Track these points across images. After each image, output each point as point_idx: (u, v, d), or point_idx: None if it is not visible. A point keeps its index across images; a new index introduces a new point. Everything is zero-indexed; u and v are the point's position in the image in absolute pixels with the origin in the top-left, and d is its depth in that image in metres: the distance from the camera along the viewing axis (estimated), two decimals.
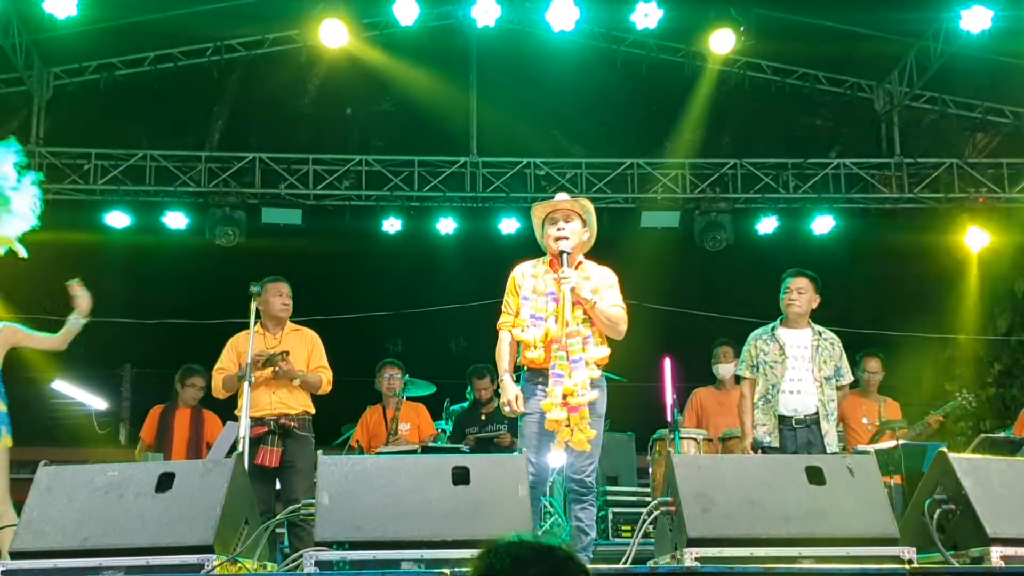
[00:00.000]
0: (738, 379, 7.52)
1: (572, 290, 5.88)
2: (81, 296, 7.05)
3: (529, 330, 5.93)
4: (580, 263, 6.15)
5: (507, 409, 5.93)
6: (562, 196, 6.41)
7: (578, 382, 5.74)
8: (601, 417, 6.02)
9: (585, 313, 5.93)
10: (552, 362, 5.81)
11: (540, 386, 5.90)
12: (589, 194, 13.45)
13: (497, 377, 9.70)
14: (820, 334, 7.25)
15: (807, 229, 13.74)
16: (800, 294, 7.24)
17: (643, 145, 14.08)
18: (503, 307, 6.20)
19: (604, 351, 5.97)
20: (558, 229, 6.07)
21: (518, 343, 6.06)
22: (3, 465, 7.29)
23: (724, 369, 9.49)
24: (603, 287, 6.07)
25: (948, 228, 13.53)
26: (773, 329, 7.27)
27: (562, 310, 5.87)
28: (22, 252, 7.01)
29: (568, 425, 5.74)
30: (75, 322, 7.08)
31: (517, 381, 6.09)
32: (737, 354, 9.41)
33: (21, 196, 6.98)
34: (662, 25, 12.29)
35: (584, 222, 6.17)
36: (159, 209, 13.39)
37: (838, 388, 7.22)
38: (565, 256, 5.99)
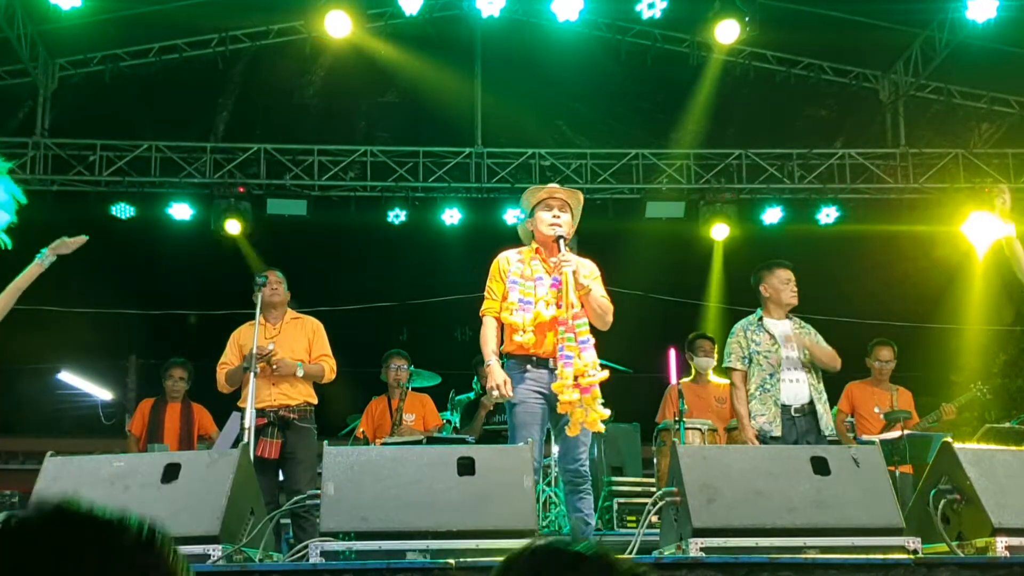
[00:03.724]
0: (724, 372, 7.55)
1: (574, 273, 5.90)
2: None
3: (517, 313, 5.93)
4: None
5: (495, 394, 5.92)
6: (555, 187, 6.44)
7: (588, 362, 5.75)
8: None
9: (579, 300, 5.95)
10: (560, 344, 5.80)
11: (527, 373, 5.91)
12: (594, 184, 13.47)
13: None
14: (798, 324, 7.31)
15: (812, 219, 13.74)
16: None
17: (648, 136, 14.06)
18: (486, 293, 6.20)
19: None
20: (553, 216, 6.09)
21: (501, 329, 6.07)
22: None
23: (703, 362, 9.52)
24: (589, 278, 6.08)
25: (953, 218, 13.50)
26: (759, 319, 7.31)
27: (566, 292, 5.87)
28: (7, 243, 6.64)
29: (582, 406, 5.76)
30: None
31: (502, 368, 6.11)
32: (716, 347, 9.48)
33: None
34: (667, 15, 12.25)
35: (573, 216, 6.22)
36: (164, 200, 13.40)
37: None
38: (562, 241, 6.00)
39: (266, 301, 7.69)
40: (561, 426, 5.89)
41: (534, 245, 6.19)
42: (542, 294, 5.95)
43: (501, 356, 6.06)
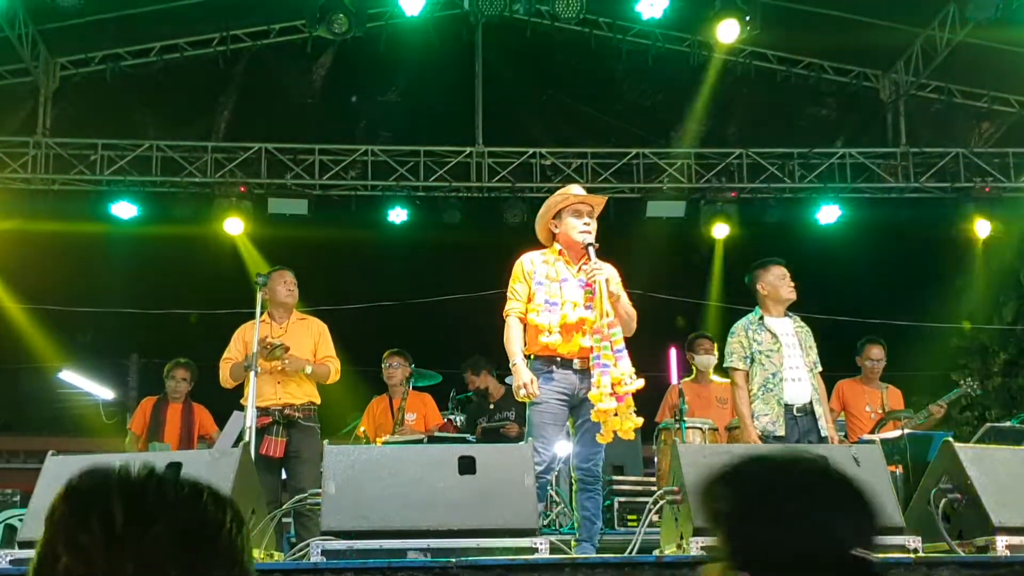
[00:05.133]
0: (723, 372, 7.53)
1: (606, 281, 5.93)
2: None
3: (544, 315, 5.95)
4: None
5: (521, 392, 5.93)
6: (577, 189, 6.44)
7: (624, 371, 5.79)
8: None
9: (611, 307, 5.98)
10: (596, 352, 5.84)
11: (552, 374, 5.93)
12: (595, 184, 13.44)
13: (483, 369, 9.81)
14: (798, 322, 7.28)
15: (813, 219, 13.73)
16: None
17: (648, 135, 14.06)
18: (509, 294, 6.20)
19: None
20: (584, 223, 6.12)
21: (524, 329, 6.09)
22: None
23: (704, 361, 9.49)
24: (617, 285, 6.15)
25: (954, 217, 13.51)
26: (760, 318, 7.26)
27: (600, 300, 5.91)
28: None
29: (616, 415, 5.79)
30: None
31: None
32: (716, 346, 9.45)
33: None
34: (667, 15, 12.24)
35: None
36: (165, 199, 13.41)
37: None
38: (592, 249, 6.05)
39: (281, 301, 7.73)
40: (582, 427, 5.93)
41: (556, 247, 6.21)
42: (568, 296, 5.98)
43: (525, 356, 6.08)
